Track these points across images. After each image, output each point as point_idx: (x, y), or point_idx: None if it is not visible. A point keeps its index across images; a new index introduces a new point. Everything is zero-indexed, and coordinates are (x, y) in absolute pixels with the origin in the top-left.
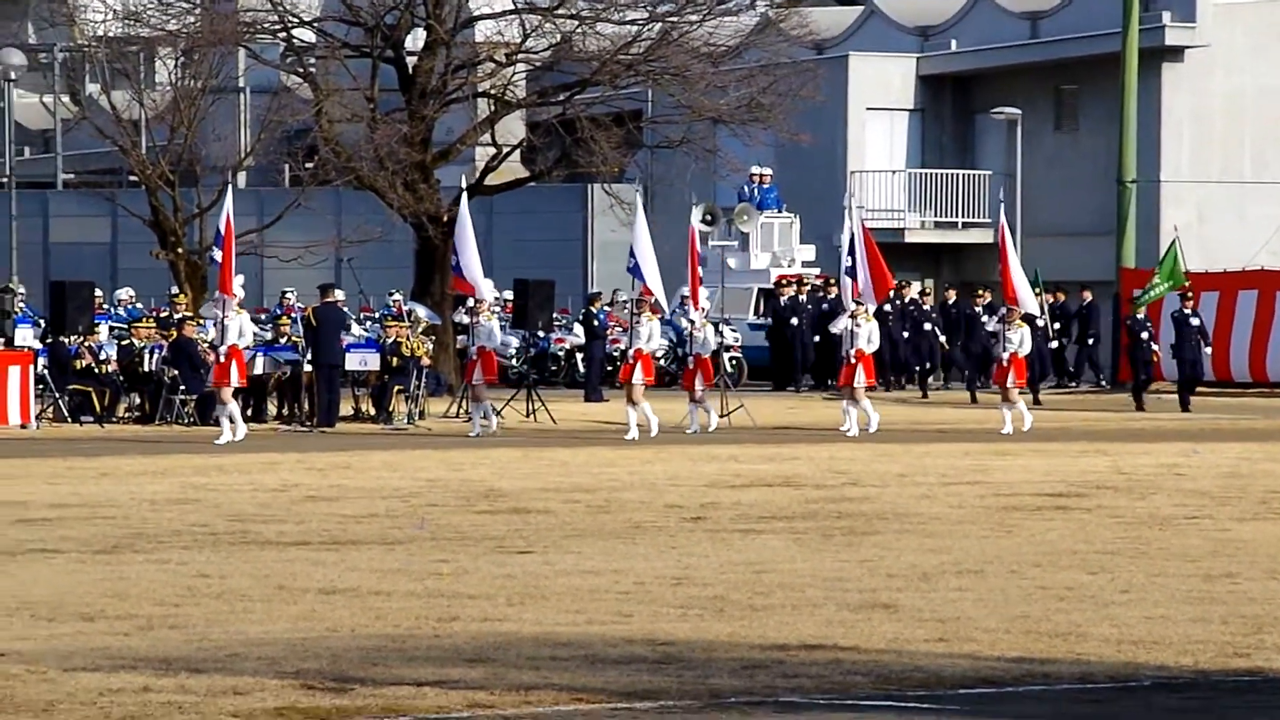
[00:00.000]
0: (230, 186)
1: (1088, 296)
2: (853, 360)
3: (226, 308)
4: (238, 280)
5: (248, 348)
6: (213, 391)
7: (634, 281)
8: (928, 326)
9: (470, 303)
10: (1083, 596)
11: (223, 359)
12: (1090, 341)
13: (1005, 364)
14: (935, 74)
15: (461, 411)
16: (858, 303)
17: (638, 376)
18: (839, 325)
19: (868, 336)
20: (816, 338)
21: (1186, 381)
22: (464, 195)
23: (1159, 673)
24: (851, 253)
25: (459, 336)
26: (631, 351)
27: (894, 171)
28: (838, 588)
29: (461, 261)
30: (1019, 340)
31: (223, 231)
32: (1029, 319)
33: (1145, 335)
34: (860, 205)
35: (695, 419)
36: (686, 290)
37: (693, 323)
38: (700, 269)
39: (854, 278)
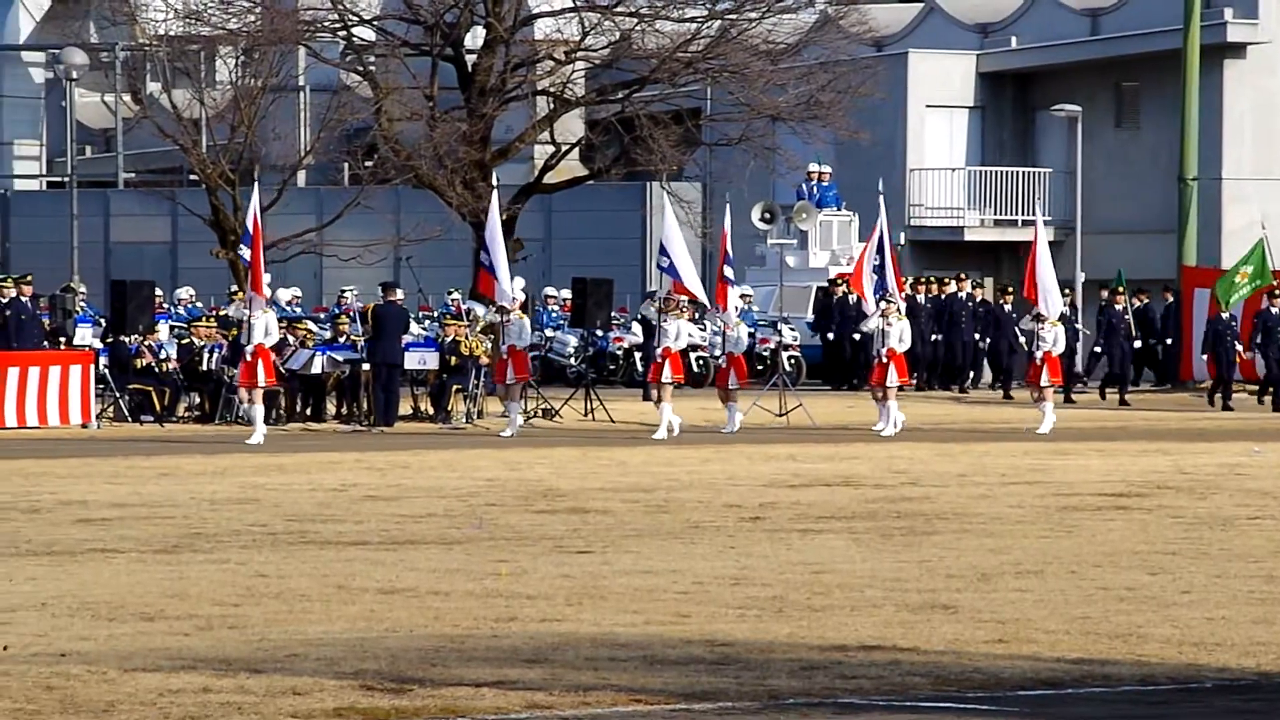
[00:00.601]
0: (256, 187)
1: (1169, 297)
2: (884, 359)
3: (254, 306)
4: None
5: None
6: (274, 390)
7: (662, 278)
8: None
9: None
10: (1144, 597)
11: (249, 358)
12: (1169, 341)
13: (1039, 363)
14: (995, 71)
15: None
16: (889, 301)
17: (666, 375)
18: (870, 324)
19: (899, 335)
20: (857, 335)
21: (1275, 381)
22: (495, 194)
23: (1220, 675)
24: (880, 251)
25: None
26: (659, 350)
27: (953, 169)
28: (897, 588)
29: (493, 261)
30: (1053, 339)
31: (250, 230)
32: (1063, 318)
33: (1230, 335)
34: (917, 203)
35: (734, 419)
36: (747, 289)
37: (725, 322)
38: (729, 268)
39: (881, 276)
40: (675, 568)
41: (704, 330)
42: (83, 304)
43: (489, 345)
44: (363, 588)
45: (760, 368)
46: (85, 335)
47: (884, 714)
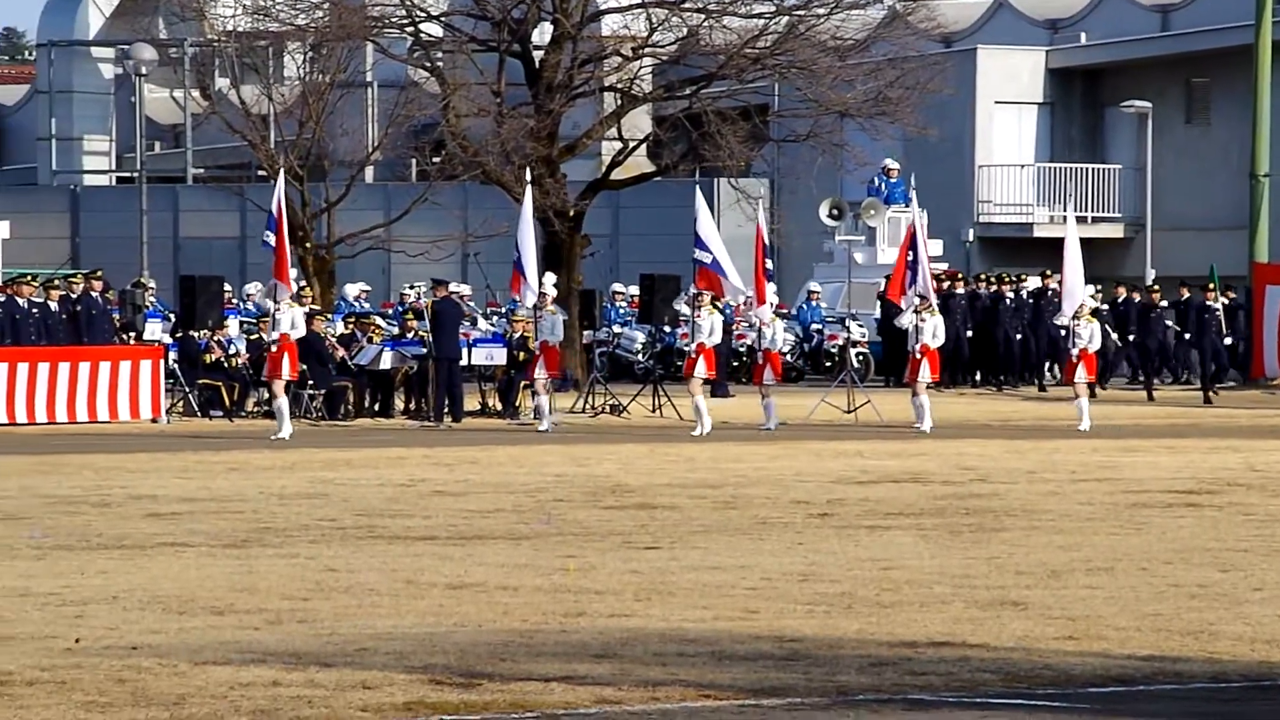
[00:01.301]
0: (281, 174)
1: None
2: (918, 355)
3: (279, 294)
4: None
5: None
6: (342, 387)
7: (695, 273)
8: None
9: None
10: (1215, 594)
11: (274, 350)
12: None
13: (1075, 359)
14: (1064, 67)
15: (587, 406)
16: (921, 297)
17: (699, 370)
18: (905, 320)
19: (933, 331)
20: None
21: None
22: (529, 189)
23: None
24: (914, 247)
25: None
26: (694, 346)
27: (1022, 166)
28: (966, 585)
29: (523, 259)
30: (1089, 336)
31: (275, 216)
32: (1098, 314)
33: None
34: (985, 200)
35: (773, 416)
36: (815, 285)
37: (760, 318)
38: (769, 262)
39: (914, 272)
40: (743, 563)
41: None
42: (152, 299)
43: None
44: (431, 582)
45: (828, 364)
46: (155, 330)
47: (953, 711)
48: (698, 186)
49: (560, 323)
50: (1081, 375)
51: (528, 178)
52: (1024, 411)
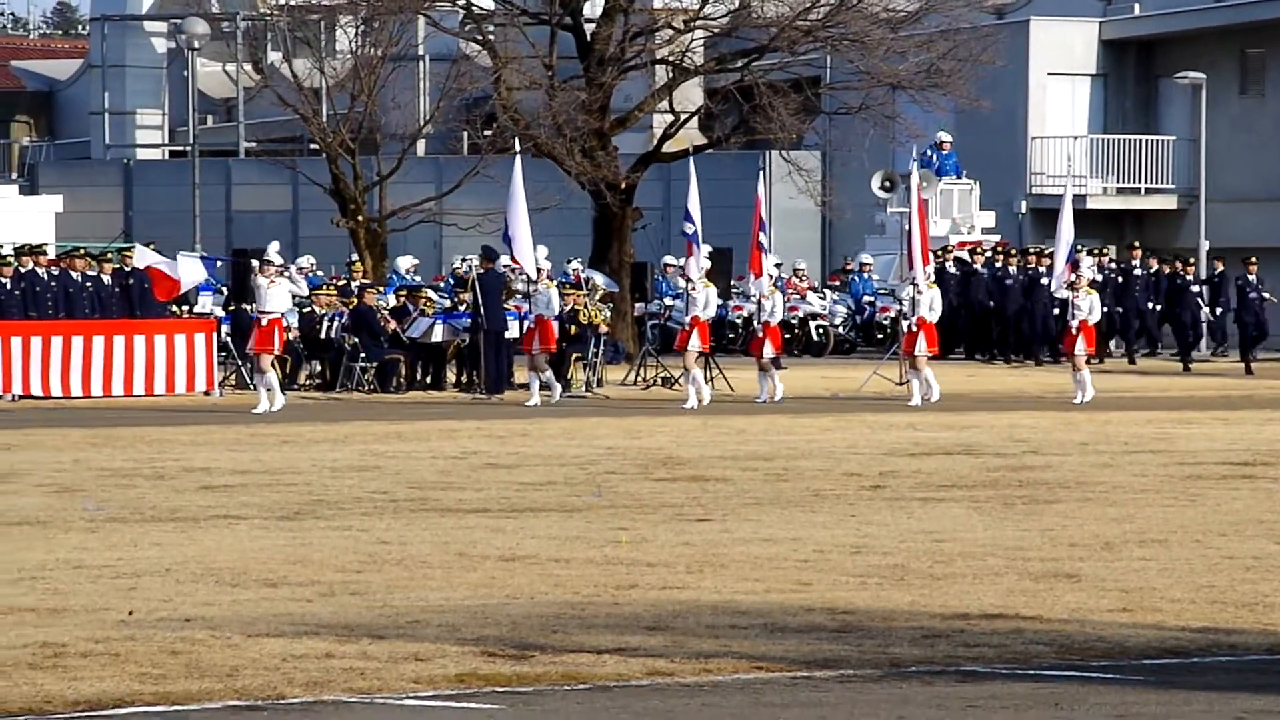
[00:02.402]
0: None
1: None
2: (914, 328)
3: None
4: (273, 246)
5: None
6: (394, 360)
7: (690, 247)
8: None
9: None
10: (1270, 566)
11: (264, 324)
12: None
13: (1075, 331)
14: (1118, 38)
15: (639, 379)
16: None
17: (694, 344)
18: (905, 292)
19: (929, 304)
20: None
21: None
22: (517, 160)
23: None
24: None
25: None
26: (688, 319)
27: (1075, 137)
28: (1019, 557)
29: (511, 232)
30: (1088, 307)
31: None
32: (1095, 285)
33: None
34: (1038, 171)
35: (765, 388)
36: (866, 257)
37: (760, 291)
38: (763, 234)
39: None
40: (796, 536)
41: (823, 300)
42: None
43: (607, 314)
44: (483, 555)
45: (880, 336)
46: (207, 303)
47: (1007, 683)
48: (691, 160)
49: (555, 297)
50: (1081, 348)
51: (517, 148)
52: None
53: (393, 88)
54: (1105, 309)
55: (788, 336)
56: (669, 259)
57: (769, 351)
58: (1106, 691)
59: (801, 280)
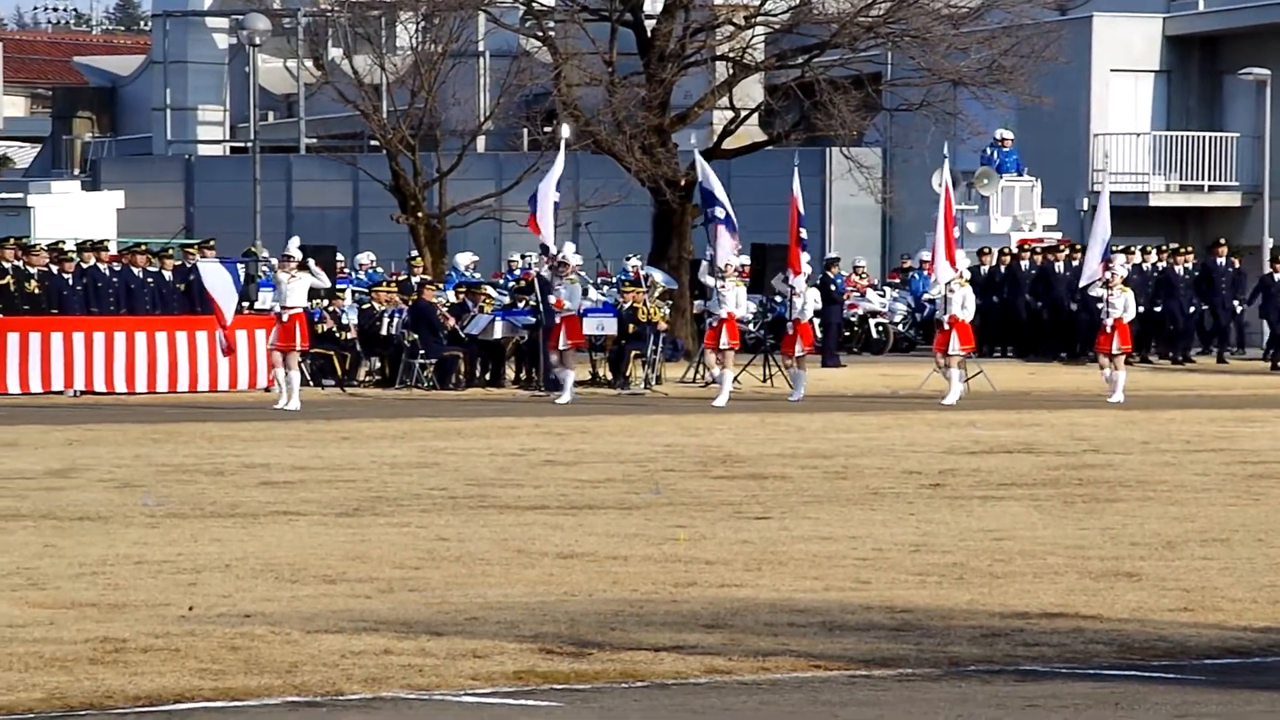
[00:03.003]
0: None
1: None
2: (947, 326)
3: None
4: (293, 241)
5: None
6: (453, 356)
7: (711, 241)
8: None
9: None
10: None
11: (285, 320)
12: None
13: (1109, 330)
14: (1182, 34)
15: (697, 375)
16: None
17: (724, 341)
18: (934, 291)
19: (961, 302)
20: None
21: None
22: (563, 146)
23: None
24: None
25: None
26: (714, 319)
27: (1138, 134)
28: (1079, 555)
29: (539, 201)
30: (1123, 305)
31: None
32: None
33: None
34: (1103, 168)
35: (800, 386)
36: (927, 255)
37: (792, 288)
38: (803, 231)
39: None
40: (854, 534)
41: (882, 298)
42: (265, 268)
43: (667, 311)
44: (542, 552)
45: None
46: (268, 299)
47: (1066, 682)
48: (696, 152)
49: (579, 291)
50: (1116, 346)
51: (564, 133)
52: (1137, 382)
53: (453, 84)
54: (1159, 308)
55: (847, 334)
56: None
57: (799, 349)
58: (1167, 691)
59: (861, 278)
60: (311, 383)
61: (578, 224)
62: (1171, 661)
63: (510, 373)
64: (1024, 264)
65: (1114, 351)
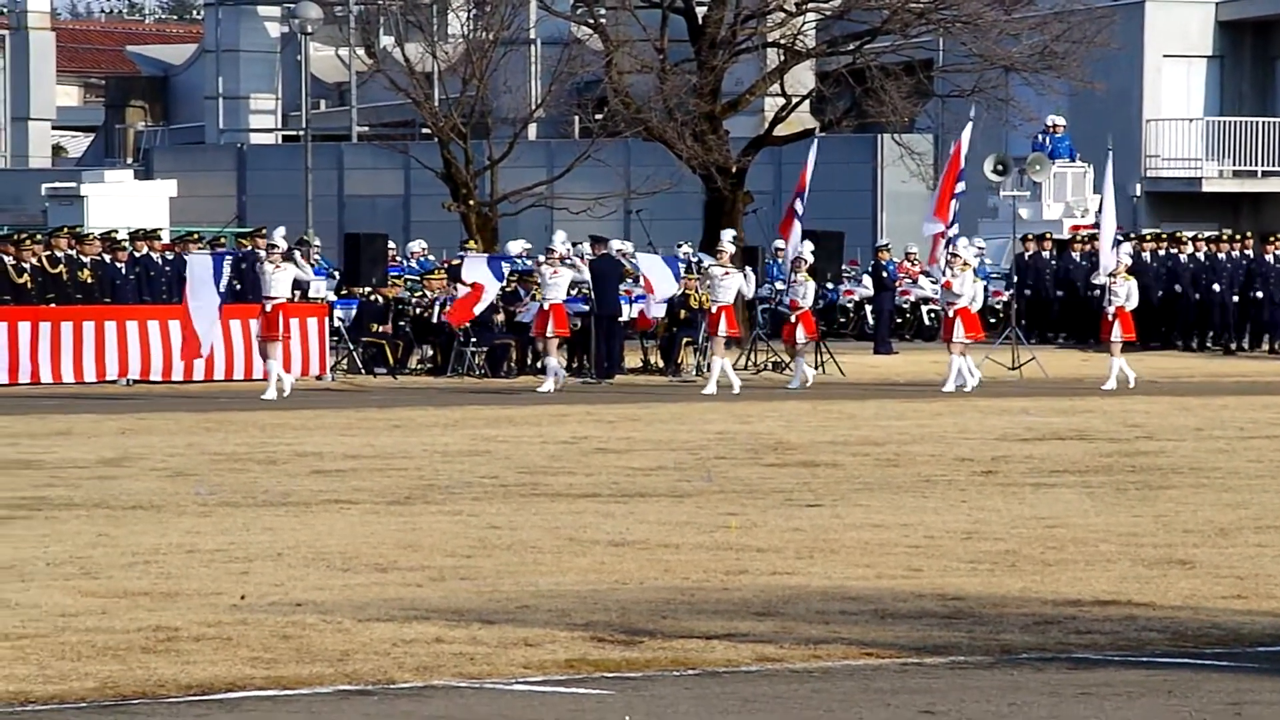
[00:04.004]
0: None
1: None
2: (951, 315)
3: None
4: (279, 231)
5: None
6: (505, 344)
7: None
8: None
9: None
10: None
11: (268, 310)
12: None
13: (1111, 318)
14: (1234, 20)
15: (750, 363)
16: (954, 255)
17: (722, 329)
18: (934, 281)
19: (971, 293)
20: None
21: None
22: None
23: None
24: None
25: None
26: (715, 306)
27: (1191, 120)
28: (1132, 543)
29: None
30: (1125, 294)
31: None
32: (1133, 271)
33: None
34: (1153, 154)
35: (800, 373)
36: (980, 241)
37: (793, 276)
38: (799, 203)
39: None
40: (906, 521)
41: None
42: (317, 257)
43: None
44: (593, 540)
45: (993, 321)
46: (320, 288)
47: (1119, 670)
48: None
49: (564, 281)
50: (1118, 334)
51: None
52: (1192, 368)
53: (504, 72)
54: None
55: (899, 321)
56: (780, 243)
57: (801, 337)
58: (1220, 679)
59: (913, 264)
60: (364, 370)
61: (629, 211)
62: (1225, 649)
63: (562, 360)
64: (1075, 253)
65: (1114, 339)
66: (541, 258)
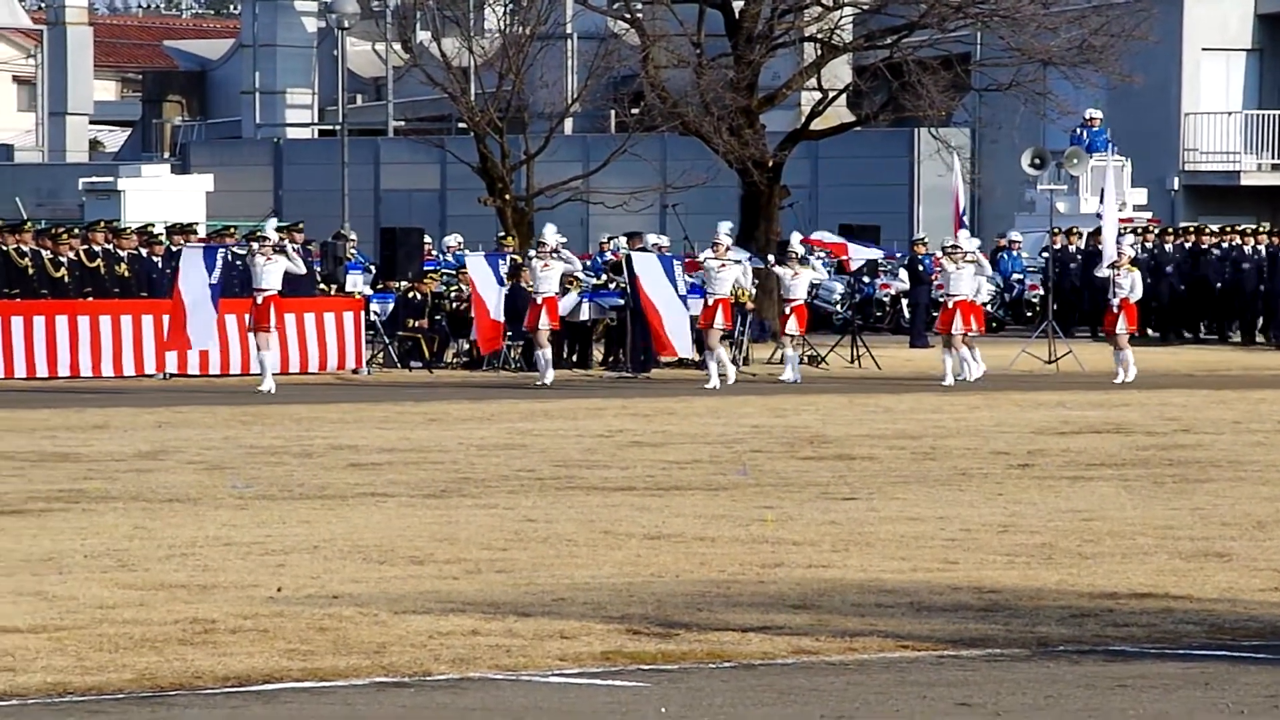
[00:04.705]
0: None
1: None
2: (950, 306)
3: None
4: (270, 223)
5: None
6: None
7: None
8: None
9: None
10: None
11: (260, 302)
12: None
13: (1115, 310)
14: (1274, 13)
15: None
16: (954, 247)
17: (718, 322)
18: (948, 269)
19: (975, 287)
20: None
21: None
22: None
23: None
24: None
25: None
26: (712, 299)
27: (1229, 113)
28: (1169, 536)
29: None
30: (1129, 285)
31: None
32: (1136, 262)
33: None
34: (1191, 148)
35: (790, 367)
36: (1015, 235)
37: (787, 271)
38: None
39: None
40: (942, 514)
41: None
42: (353, 251)
43: (754, 292)
44: (629, 533)
45: (1029, 314)
46: (356, 282)
47: (1156, 662)
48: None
49: (556, 275)
50: (1122, 326)
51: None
52: (1229, 361)
53: (541, 66)
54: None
55: (935, 314)
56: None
57: (792, 328)
58: (1258, 672)
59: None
60: (400, 364)
61: (664, 206)
62: (1262, 642)
63: (598, 354)
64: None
65: (1119, 331)
66: (533, 252)
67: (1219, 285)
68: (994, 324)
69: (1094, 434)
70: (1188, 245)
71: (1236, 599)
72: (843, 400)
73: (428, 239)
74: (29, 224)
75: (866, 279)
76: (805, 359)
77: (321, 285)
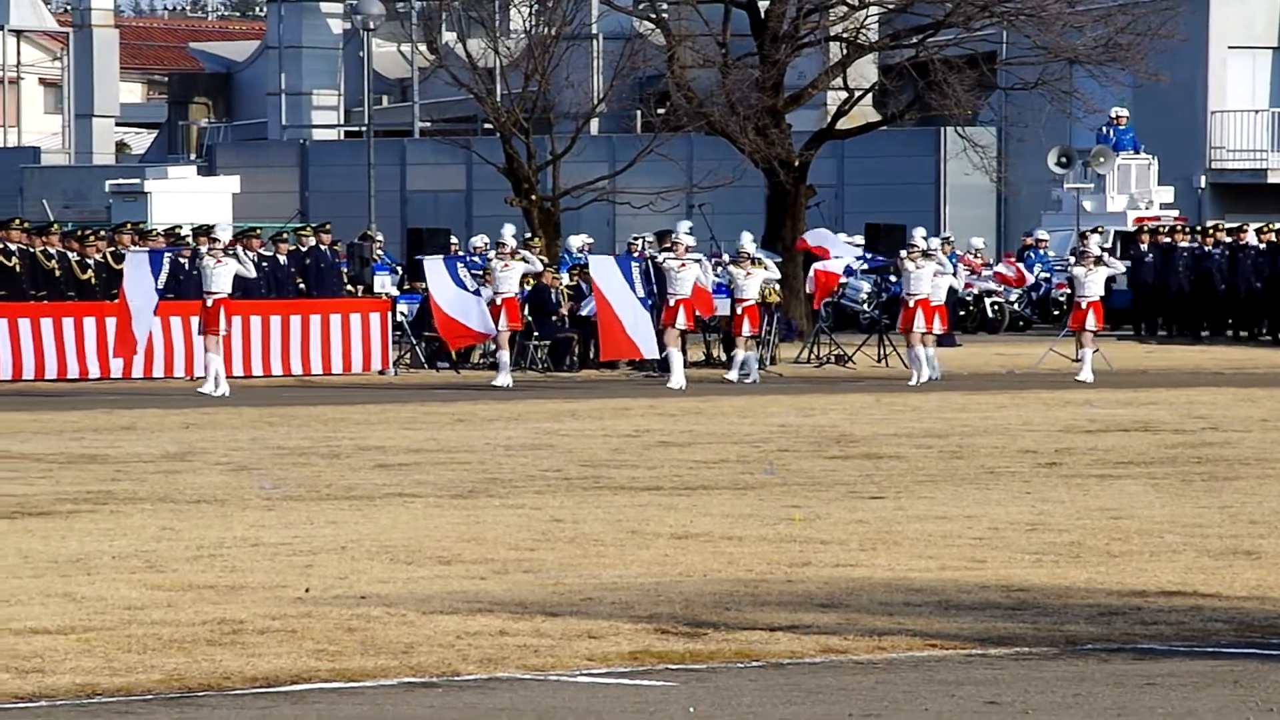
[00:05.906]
0: None
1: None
2: (911, 305)
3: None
4: (226, 226)
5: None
6: (567, 338)
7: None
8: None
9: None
10: None
11: (209, 305)
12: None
13: (1084, 308)
14: None
15: (812, 356)
16: (913, 246)
17: (680, 321)
18: (908, 268)
19: (943, 286)
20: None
21: None
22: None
23: None
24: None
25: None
26: (674, 299)
27: (1256, 111)
28: (1197, 534)
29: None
30: (1098, 284)
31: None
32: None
33: None
34: (1218, 146)
35: (747, 367)
36: (1042, 233)
37: (740, 271)
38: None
39: None
40: (970, 513)
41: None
42: (380, 252)
43: (779, 290)
44: (656, 532)
45: (1056, 313)
46: (383, 283)
47: (1184, 660)
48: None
49: (516, 275)
50: (1091, 324)
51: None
52: (1257, 359)
53: (566, 67)
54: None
55: (962, 313)
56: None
57: (747, 330)
58: None
59: (977, 257)
60: (426, 365)
61: (691, 205)
62: None
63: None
64: (1143, 244)
65: (1086, 329)
66: (492, 253)
67: (1258, 285)
68: (1020, 323)
69: (1122, 432)
70: (1226, 242)
71: (1265, 597)
72: (870, 399)
73: (454, 240)
74: (56, 226)
75: (894, 278)
76: (832, 358)
77: (349, 286)
